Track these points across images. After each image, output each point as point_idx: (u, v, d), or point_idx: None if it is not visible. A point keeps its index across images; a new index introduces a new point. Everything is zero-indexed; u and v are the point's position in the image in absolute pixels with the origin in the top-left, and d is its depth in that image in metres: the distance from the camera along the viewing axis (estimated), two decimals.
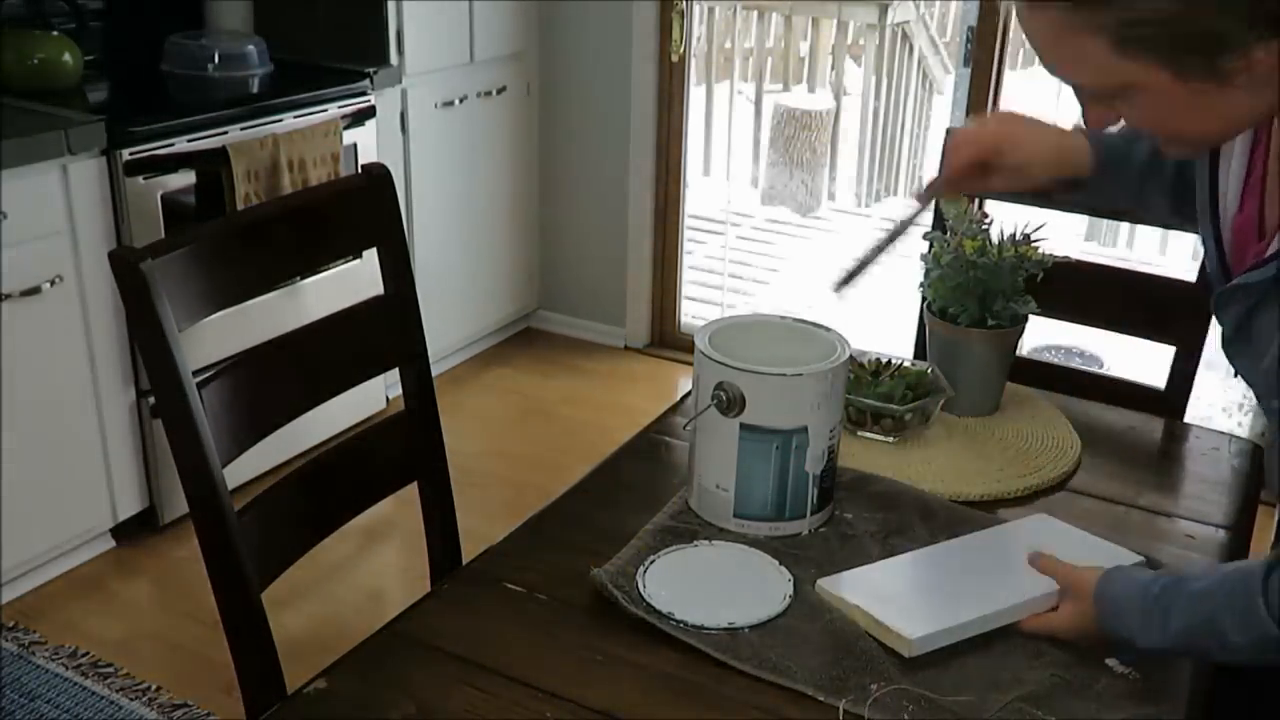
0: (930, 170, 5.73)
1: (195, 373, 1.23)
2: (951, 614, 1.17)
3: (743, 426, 1.27)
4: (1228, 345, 1.17)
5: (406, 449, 1.56)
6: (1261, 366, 1.08)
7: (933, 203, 1.40)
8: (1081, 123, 1.12)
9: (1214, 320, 1.18)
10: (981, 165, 1.35)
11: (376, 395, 3.22)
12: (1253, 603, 1.02)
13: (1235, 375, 1.19)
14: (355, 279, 2.80)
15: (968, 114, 3.17)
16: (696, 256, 4.74)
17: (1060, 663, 1.13)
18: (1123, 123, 1.08)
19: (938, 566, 1.28)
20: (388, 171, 1.49)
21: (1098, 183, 1.38)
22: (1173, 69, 0.95)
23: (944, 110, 5.55)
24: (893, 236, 1.35)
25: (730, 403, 1.27)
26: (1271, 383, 1.08)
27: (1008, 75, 3.25)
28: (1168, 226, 1.30)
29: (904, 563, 1.28)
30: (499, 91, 3.52)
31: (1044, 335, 3.49)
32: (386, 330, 1.52)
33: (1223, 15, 0.91)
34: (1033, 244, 1.57)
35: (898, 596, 1.22)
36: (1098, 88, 1.03)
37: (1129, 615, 1.11)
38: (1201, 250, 1.25)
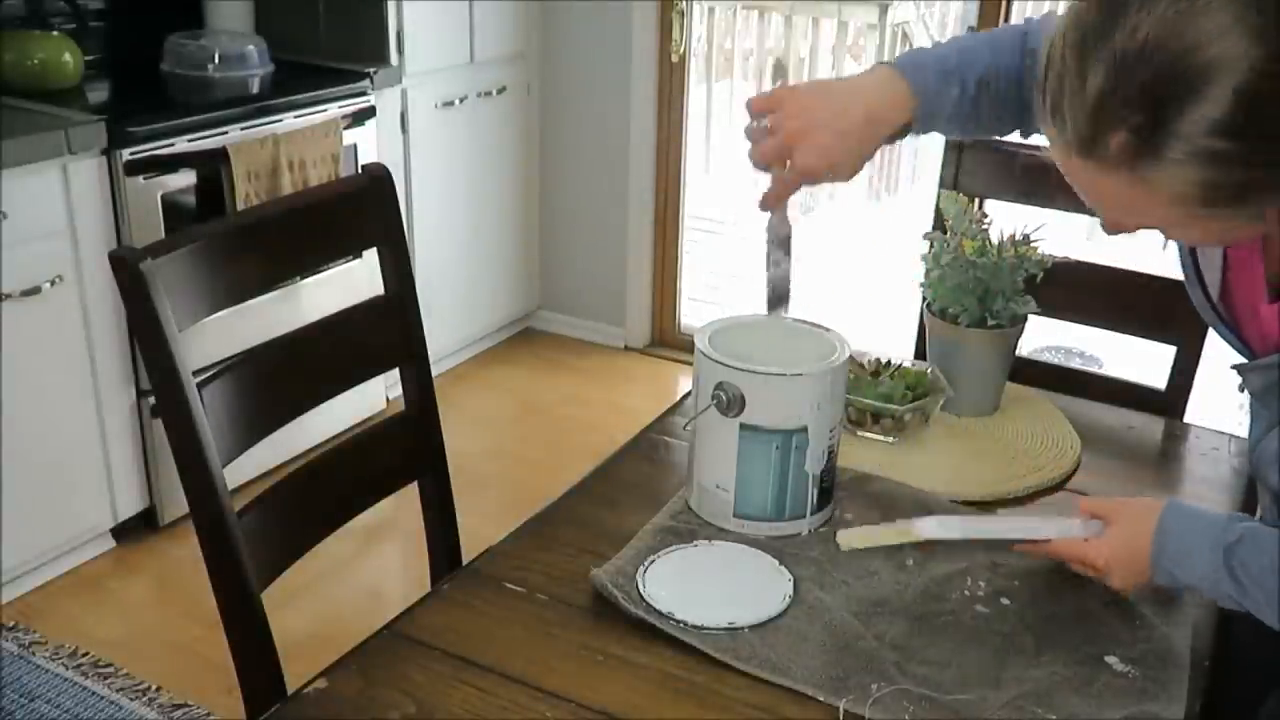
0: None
1: (195, 373, 1.23)
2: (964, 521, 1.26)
3: (743, 426, 1.27)
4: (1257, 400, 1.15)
5: (406, 449, 1.56)
6: None
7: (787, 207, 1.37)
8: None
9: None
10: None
11: (376, 395, 3.22)
12: None
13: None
14: (355, 279, 2.80)
15: None
16: (696, 256, 4.74)
17: (1060, 661, 1.13)
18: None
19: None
20: (388, 172, 1.49)
21: (921, 129, 1.29)
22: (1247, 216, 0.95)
23: None
24: (778, 248, 1.32)
25: (730, 403, 1.27)
26: None
27: None
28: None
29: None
30: (499, 92, 3.53)
31: (1044, 335, 3.48)
32: (386, 330, 1.52)
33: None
34: (1033, 244, 1.57)
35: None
36: (1152, 226, 1.01)
37: (1195, 562, 1.08)
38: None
